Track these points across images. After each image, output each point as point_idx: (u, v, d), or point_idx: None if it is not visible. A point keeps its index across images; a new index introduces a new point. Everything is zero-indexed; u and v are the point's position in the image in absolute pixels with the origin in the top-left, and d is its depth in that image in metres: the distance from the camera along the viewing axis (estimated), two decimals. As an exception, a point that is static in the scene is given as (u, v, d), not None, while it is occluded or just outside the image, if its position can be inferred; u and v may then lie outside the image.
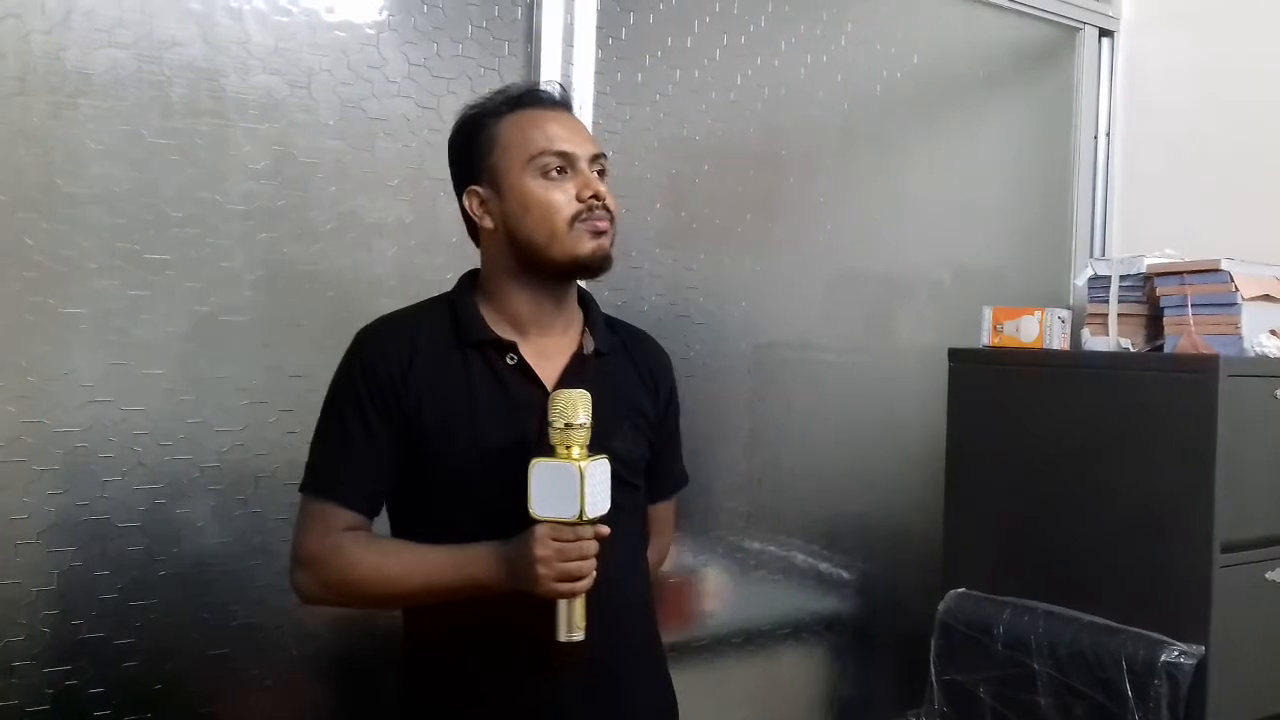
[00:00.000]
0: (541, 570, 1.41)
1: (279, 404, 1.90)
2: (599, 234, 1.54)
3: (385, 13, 1.99)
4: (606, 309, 1.72)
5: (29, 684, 1.71)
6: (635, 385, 1.68)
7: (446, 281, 2.04)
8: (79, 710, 1.74)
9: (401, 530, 1.59)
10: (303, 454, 1.89)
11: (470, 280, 1.66)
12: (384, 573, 1.50)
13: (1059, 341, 2.41)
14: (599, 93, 2.21)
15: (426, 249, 2.04)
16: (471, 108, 1.63)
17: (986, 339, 2.48)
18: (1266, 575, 2.10)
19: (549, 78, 2.12)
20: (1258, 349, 2.18)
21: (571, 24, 2.17)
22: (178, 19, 1.80)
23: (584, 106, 2.18)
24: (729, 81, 2.42)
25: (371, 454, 1.53)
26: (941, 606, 2.36)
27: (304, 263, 1.92)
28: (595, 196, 1.54)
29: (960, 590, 2.37)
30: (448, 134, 1.63)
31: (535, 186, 1.54)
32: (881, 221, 2.70)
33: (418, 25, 2.02)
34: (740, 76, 2.43)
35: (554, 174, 1.54)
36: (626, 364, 1.68)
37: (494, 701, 1.54)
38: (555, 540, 1.42)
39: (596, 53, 2.20)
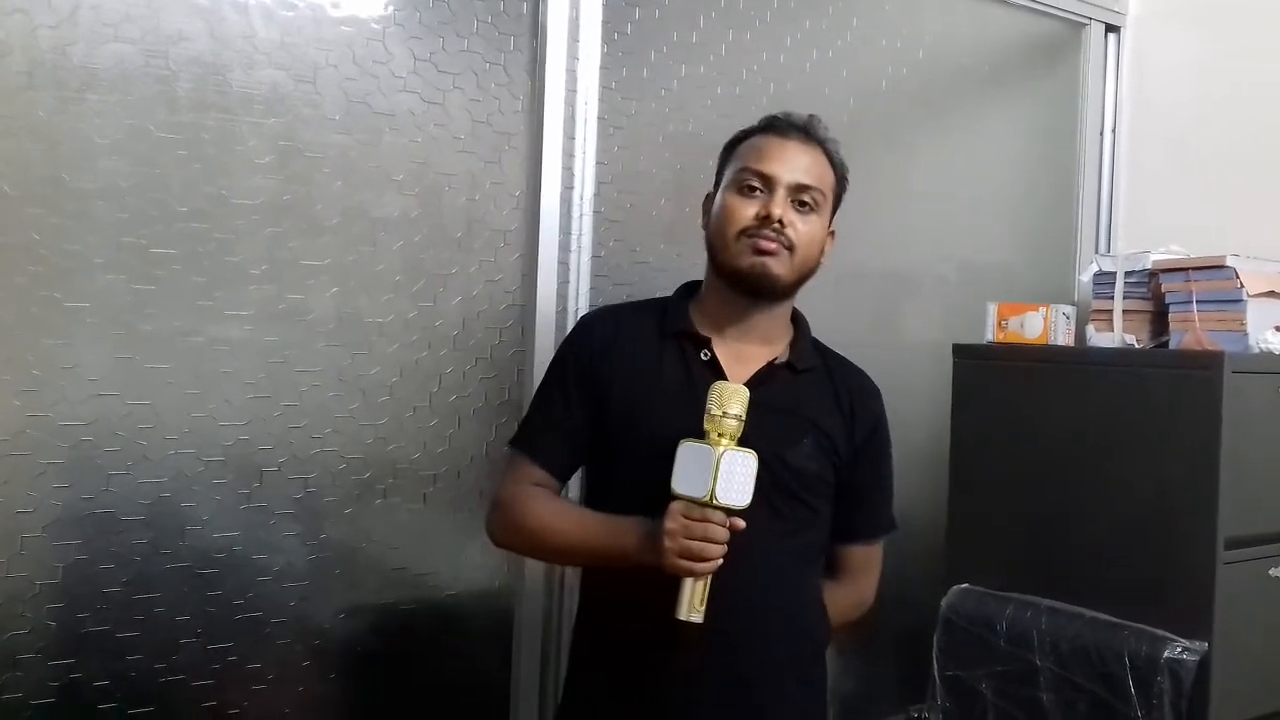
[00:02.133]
0: (667, 542, 1.49)
1: (283, 398, 1.91)
2: (760, 252, 1.61)
3: (391, 8, 1.99)
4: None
5: (34, 677, 1.72)
6: (827, 406, 1.71)
7: (451, 276, 2.07)
8: (84, 703, 1.75)
9: (593, 505, 1.71)
10: (306, 448, 1.92)
11: (688, 285, 1.77)
12: (548, 524, 1.65)
13: (1064, 337, 2.41)
14: (604, 87, 2.20)
15: (432, 243, 2.05)
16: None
17: (991, 335, 2.48)
18: (1270, 572, 2.10)
19: (554, 72, 2.13)
20: (1263, 345, 2.17)
21: (577, 19, 2.16)
22: (184, 14, 1.79)
23: (589, 101, 2.18)
24: (734, 76, 2.41)
25: (565, 423, 1.69)
26: (944, 602, 2.36)
27: (309, 257, 1.93)
28: (768, 218, 1.60)
29: (963, 585, 2.37)
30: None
31: (729, 197, 1.65)
32: (886, 217, 2.69)
33: (423, 20, 2.02)
34: (746, 71, 2.43)
35: (749, 190, 1.63)
36: (824, 384, 1.73)
37: (612, 668, 1.65)
38: (685, 517, 1.48)
39: (602, 47, 2.20)
